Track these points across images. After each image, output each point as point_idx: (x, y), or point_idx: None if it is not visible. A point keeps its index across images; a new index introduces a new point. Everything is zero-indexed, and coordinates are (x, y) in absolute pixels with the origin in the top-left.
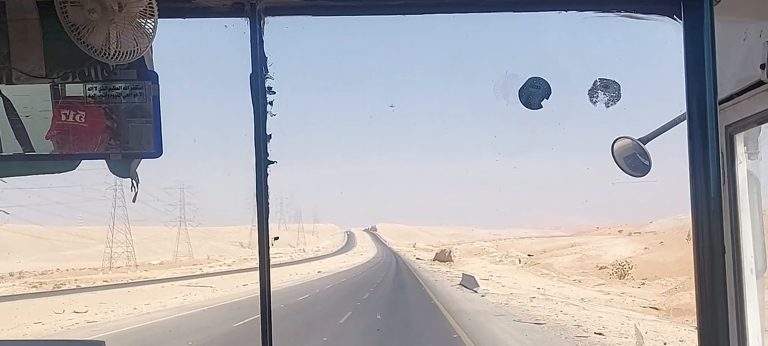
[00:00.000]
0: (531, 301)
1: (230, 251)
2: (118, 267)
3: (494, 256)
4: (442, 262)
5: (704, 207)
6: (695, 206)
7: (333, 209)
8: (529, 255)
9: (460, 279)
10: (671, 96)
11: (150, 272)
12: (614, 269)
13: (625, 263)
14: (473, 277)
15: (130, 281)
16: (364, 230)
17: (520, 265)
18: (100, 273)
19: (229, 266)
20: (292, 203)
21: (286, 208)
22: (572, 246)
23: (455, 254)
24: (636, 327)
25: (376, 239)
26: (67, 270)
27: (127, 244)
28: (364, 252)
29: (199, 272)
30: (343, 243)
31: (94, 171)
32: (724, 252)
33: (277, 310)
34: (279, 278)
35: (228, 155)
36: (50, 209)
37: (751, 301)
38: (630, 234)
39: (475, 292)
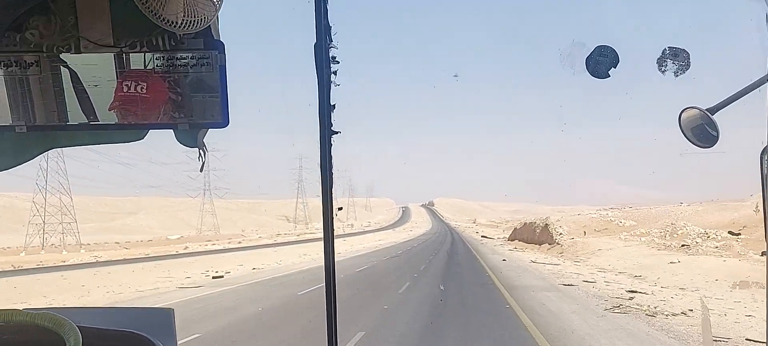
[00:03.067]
0: None
1: (271, 225)
2: (52, 246)
3: (646, 235)
4: (528, 243)
5: None
6: None
7: (390, 184)
8: (731, 233)
9: None
10: (741, 66)
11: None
12: None
13: None
14: None
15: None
16: (422, 206)
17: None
18: (22, 255)
19: (239, 243)
20: (345, 176)
21: (338, 181)
22: None
23: (560, 231)
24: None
25: (433, 213)
26: None
27: (62, 213)
28: (414, 228)
29: (174, 253)
30: (398, 218)
31: None
32: None
33: None
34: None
35: (291, 126)
36: None
37: None
38: None
39: None
